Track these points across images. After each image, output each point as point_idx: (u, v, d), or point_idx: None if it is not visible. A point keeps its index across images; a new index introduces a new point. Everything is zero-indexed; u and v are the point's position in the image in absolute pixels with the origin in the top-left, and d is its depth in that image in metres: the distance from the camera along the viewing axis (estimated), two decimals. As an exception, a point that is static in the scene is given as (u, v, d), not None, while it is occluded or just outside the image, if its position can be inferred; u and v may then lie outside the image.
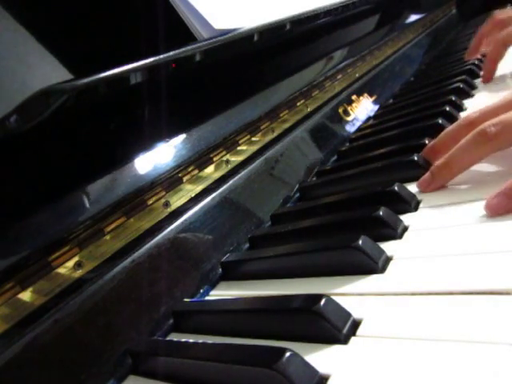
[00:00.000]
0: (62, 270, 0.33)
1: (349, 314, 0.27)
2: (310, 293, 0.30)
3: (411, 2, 1.28)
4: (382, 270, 0.32)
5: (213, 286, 0.42)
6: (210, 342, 0.31)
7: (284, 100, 0.62)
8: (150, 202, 0.41)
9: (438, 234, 0.34)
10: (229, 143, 0.51)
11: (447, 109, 0.57)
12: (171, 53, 0.41)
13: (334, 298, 0.28)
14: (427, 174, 0.40)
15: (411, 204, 0.39)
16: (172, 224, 0.42)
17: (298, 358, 0.24)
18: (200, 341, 0.31)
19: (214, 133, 0.49)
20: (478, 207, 0.34)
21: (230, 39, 0.49)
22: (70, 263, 0.34)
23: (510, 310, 0.23)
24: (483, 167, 0.40)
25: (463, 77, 0.72)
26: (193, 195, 0.45)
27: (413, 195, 0.40)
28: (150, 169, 0.42)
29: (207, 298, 0.40)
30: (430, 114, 0.58)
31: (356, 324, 0.27)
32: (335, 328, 0.26)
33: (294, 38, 0.69)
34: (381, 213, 0.36)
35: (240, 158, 0.51)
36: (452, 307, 0.25)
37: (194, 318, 0.36)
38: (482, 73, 0.73)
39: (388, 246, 0.34)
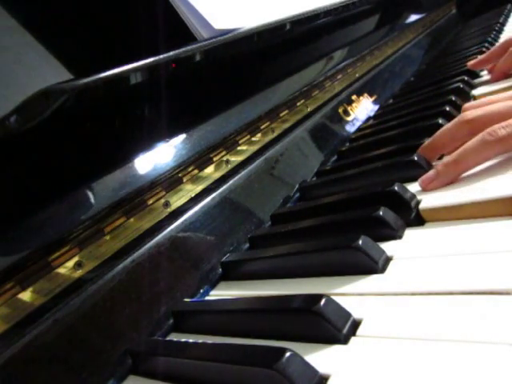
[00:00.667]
0: (61, 270, 0.33)
1: (349, 314, 0.27)
2: (310, 293, 0.30)
3: (411, 2, 1.28)
4: (382, 270, 0.32)
5: (213, 286, 0.42)
6: (209, 341, 0.31)
7: (284, 100, 0.62)
8: (150, 201, 0.41)
9: (438, 234, 0.34)
10: (229, 143, 0.51)
11: (447, 109, 0.57)
12: (171, 53, 0.41)
13: (334, 297, 0.28)
14: (431, 171, 0.41)
15: (411, 204, 0.39)
16: (172, 224, 0.42)
17: (297, 358, 0.24)
18: (200, 341, 0.31)
19: (213, 133, 0.49)
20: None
21: (230, 39, 0.49)
22: (70, 263, 0.34)
23: (510, 309, 0.23)
24: (483, 167, 0.40)
25: (463, 77, 0.72)
26: (193, 195, 0.45)
27: (413, 195, 0.40)
28: (150, 169, 0.42)
29: (207, 297, 0.40)
30: (429, 114, 0.58)
31: (356, 324, 0.27)
32: (335, 328, 0.26)
33: (294, 38, 0.69)
34: (381, 213, 0.36)
35: (240, 158, 0.51)
36: (452, 307, 0.25)
37: (193, 317, 0.36)
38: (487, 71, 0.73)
39: (388, 246, 0.34)
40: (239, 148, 0.52)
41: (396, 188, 0.39)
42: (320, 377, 0.24)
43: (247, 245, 0.46)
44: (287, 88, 0.64)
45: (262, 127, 0.56)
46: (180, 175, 0.44)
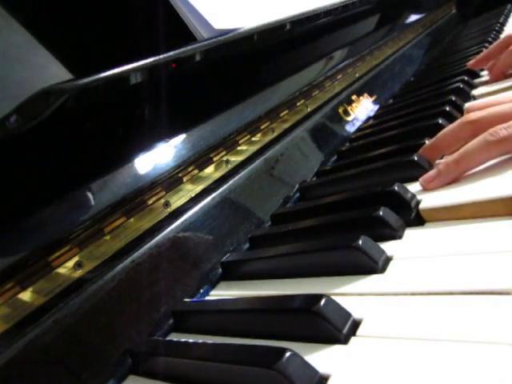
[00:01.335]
0: (61, 270, 0.33)
1: (349, 314, 0.27)
2: (310, 293, 0.30)
3: (411, 2, 1.28)
4: (382, 270, 0.32)
5: (213, 286, 0.42)
6: (209, 341, 0.31)
7: (284, 100, 0.62)
8: (150, 201, 0.41)
9: (438, 234, 0.34)
10: (229, 143, 0.51)
11: (447, 109, 0.57)
12: (171, 53, 0.41)
13: (334, 297, 0.28)
14: (433, 170, 0.41)
15: (411, 204, 0.39)
16: (172, 224, 0.42)
17: (297, 358, 0.24)
18: (200, 341, 0.31)
19: (213, 133, 0.49)
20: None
21: (230, 39, 0.49)
22: (70, 263, 0.34)
23: (510, 310, 0.23)
24: (483, 167, 0.40)
25: (463, 77, 0.72)
26: (193, 195, 0.45)
27: (413, 195, 0.40)
28: (150, 169, 0.42)
29: (207, 297, 0.40)
30: (429, 114, 0.58)
31: (356, 324, 0.27)
32: (335, 328, 0.26)
33: (294, 37, 0.69)
34: (381, 213, 0.36)
35: (240, 158, 0.51)
36: (452, 307, 0.25)
37: (193, 317, 0.36)
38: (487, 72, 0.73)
39: (388, 246, 0.34)
40: (239, 148, 0.52)
41: (396, 188, 0.39)
42: (320, 377, 0.24)
43: (247, 245, 0.46)
44: (287, 88, 0.64)
45: (262, 127, 0.56)
46: (180, 175, 0.44)
